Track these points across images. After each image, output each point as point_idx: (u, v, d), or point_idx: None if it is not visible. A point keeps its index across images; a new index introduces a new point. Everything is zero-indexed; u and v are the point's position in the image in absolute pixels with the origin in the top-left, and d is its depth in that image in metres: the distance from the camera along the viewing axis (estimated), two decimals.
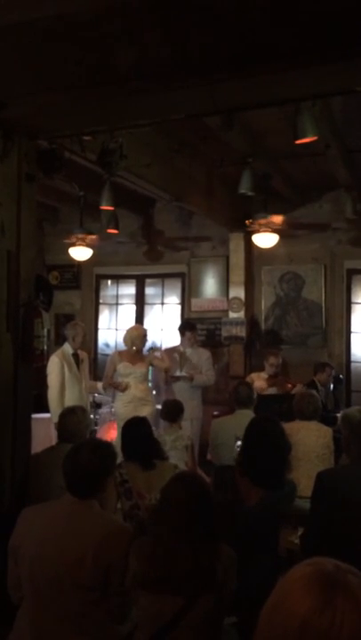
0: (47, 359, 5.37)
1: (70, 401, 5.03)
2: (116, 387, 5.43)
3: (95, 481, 2.16)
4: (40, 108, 2.91)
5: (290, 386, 5.80)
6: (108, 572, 2.02)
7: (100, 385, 5.87)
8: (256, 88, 2.82)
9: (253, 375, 5.96)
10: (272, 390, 5.70)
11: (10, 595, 2.19)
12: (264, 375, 5.90)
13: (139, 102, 2.91)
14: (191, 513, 1.95)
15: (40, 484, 3.01)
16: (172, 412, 4.39)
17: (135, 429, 3.30)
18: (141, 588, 1.98)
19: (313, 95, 2.98)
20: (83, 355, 5.59)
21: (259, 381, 5.67)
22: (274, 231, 5.79)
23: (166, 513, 2.00)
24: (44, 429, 5.11)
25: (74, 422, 3.19)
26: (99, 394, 6.11)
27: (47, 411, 5.29)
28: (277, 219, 5.68)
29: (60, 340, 6.40)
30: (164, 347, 6.73)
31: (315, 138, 3.26)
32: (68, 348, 5.40)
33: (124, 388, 5.36)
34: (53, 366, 5.22)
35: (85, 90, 2.79)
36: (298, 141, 3.32)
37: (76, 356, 5.40)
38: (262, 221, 5.67)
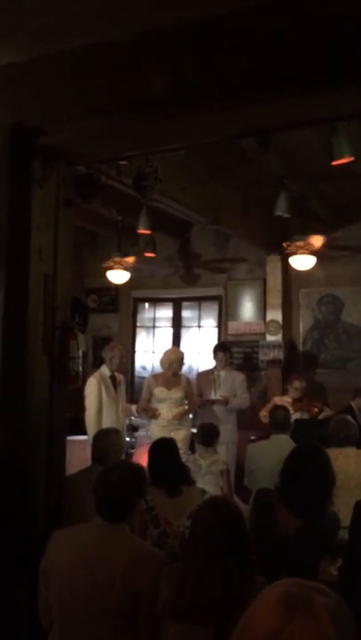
0: (83, 381, 5.41)
1: (107, 423, 5.04)
2: (149, 415, 5.46)
3: (125, 504, 2.13)
4: (78, 134, 2.99)
5: (316, 410, 5.66)
6: (137, 597, 1.98)
7: (134, 408, 5.86)
8: (290, 109, 2.82)
9: (277, 399, 5.83)
10: (298, 415, 5.56)
11: (41, 618, 2.17)
12: (288, 399, 5.77)
13: (173, 126, 2.95)
14: (222, 540, 1.90)
15: (74, 506, 3.00)
16: (208, 435, 4.33)
17: (160, 452, 3.22)
18: (171, 616, 1.93)
19: (348, 115, 2.96)
20: (120, 377, 5.62)
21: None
22: (311, 253, 5.73)
23: (196, 539, 1.95)
24: (80, 451, 5.12)
25: (107, 444, 3.18)
26: (134, 417, 6.11)
27: (84, 433, 5.31)
28: (317, 240, 5.63)
29: (97, 363, 6.45)
30: (199, 369, 6.69)
31: (352, 159, 3.22)
32: (105, 370, 5.44)
33: (155, 416, 5.38)
34: (91, 388, 5.25)
35: (121, 115, 2.85)
36: (334, 162, 3.29)
37: (113, 378, 5.43)
38: (300, 243, 5.62)
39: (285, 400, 5.69)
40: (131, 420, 6.03)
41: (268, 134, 3.17)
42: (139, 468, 2.32)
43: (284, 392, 6.57)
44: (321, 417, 5.13)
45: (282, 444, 3.97)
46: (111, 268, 6.04)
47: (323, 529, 2.66)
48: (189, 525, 2.17)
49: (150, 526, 2.85)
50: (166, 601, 1.93)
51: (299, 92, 2.60)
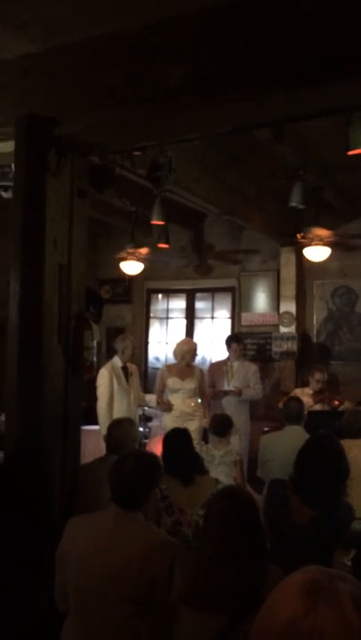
0: (97, 371, 5.44)
1: (118, 413, 5.08)
2: (163, 408, 5.49)
3: (140, 492, 2.15)
4: (92, 124, 2.99)
5: (337, 402, 5.64)
6: (152, 584, 2.00)
7: (148, 397, 5.88)
8: (305, 99, 2.80)
9: (298, 391, 5.82)
10: (318, 407, 5.55)
11: (57, 604, 2.20)
12: (309, 391, 5.75)
13: (188, 117, 2.94)
14: (235, 529, 1.91)
15: (88, 495, 3.03)
16: (221, 426, 4.34)
17: (175, 442, 3.24)
18: (185, 604, 1.95)
19: None
20: (132, 368, 5.64)
21: (304, 397, 5.54)
22: (326, 244, 5.70)
23: (210, 528, 1.97)
24: (93, 441, 5.17)
25: (121, 434, 3.20)
26: (148, 407, 6.14)
27: (97, 423, 5.35)
28: (325, 233, 5.59)
29: (111, 354, 6.49)
30: (212, 360, 6.70)
31: None
32: (117, 361, 5.47)
33: (169, 408, 5.41)
34: (102, 379, 5.29)
35: (136, 106, 2.85)
36: (350, 152, 3.26)
37: (125, 369, 5.46)
38: (315, 234, 5.59)
39: (306, 392, 5.68)
40: (144, 410, 6.06)
41: (283, 125, 3.15)
42: (153, 456, 2.34)
43: (297, 384, 6.56)
44: (342, 409, 5.12)
45: (295, 436, 3.97)
46: (125, 259, 6.05)
47: (337, 520, 2.65)
48: (203, 514, 2.18)
49: (164, 515, 2.88)
50: (180, 588, 1.95)
51: (314, 82, 2.58)
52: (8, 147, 3.22)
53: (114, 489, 2.15)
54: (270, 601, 0.91)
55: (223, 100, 2.77)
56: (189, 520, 2.89)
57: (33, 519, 2.60)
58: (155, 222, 4.88)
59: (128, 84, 2.85)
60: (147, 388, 6.79)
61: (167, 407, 5.48)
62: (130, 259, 6.00)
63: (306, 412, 4.72)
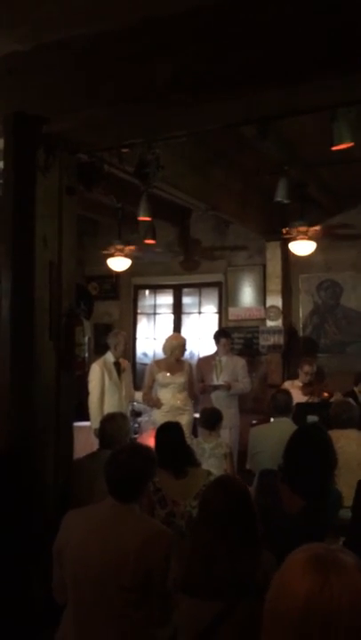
0: (88, 367, 5.47)
1: (110, 408, 5.11)
2: (150, 404, 5.53)
3: (136, 484, 2.20)
4: (80, 122, 3.01)
5: (326, 394, 5.72)
6: (149, 574, 2.05)
7: (137, 394, 5.93)
8: (291, 96, 2.85)
9: (287, 384, 5.89)
10: (307, 399, 5.62)
11: (55, 596, 2.24)
12: (298, 383, 5.83)
13: (176, 114, 2.98)
14: (230, 517, 1.96)
15: (82, 489, 3.07)
16: (211, 419, 4.40)
17: (167, 435, 3.30)
18: (182, 591, 2.00)
19: (348, 102, 2.99)
20: (125, 364, 5.68)
21: (294, 390, 5.61)
22: (310, 239, 5.77)
23: (205, 517, 2.02)
24: (84, 437, 5.19)
25: (114, 428, 3.24)
26: (137, 402, 6.18)
27: (88, 419, 5.38)
28: (316, 227, 5.66)
29: (99, 349, 6.51)
30: (200, 355, 6.75)
31: (351, 144, 3.25)
32: (109, 356, 5.50)
33: (158, 405, 5.46)
34: (94, 374, 5.33)
35: (124, 104, 2.88)
36: (334, 147, 3.32)
37: (117, 364, 5.49)
38: (300, 229, 5.65)
39: (296, 384, 5.74)
40: (134, 405, 6.10)
41: (270, 121, 3.20)
42: (148, 449, 2.38)
43: (284, 377, 6.64)
44: (332, 401, 5.19)
45: (284, 427, 4.03)
46: (112, 256, 6.07)
47: (326, 508, 2.72)
48: (198, 504, 2.23)
49: (157, 507, 2.93)
50: (177, 577, 2.00)
51: (299, 80, 2.63)
52: None
53: (110, 481, 2.19)
54: (280, 581, 0.98)
55: (210, 98, 2.81)
56: (182, 511, 2.94)
57: (27, 513, 2.63)
58: (141, 218, 4.90)
59: (115, 83, 2.88)
60: (135, 384, 6.83)
61: (155, 403, 5.52)
62: (117, 255, 6.02)
63: (294, 404, 4.79)
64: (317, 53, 2.49)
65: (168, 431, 3.34)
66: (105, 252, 6.07)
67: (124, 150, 3.36)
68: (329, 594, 0.91)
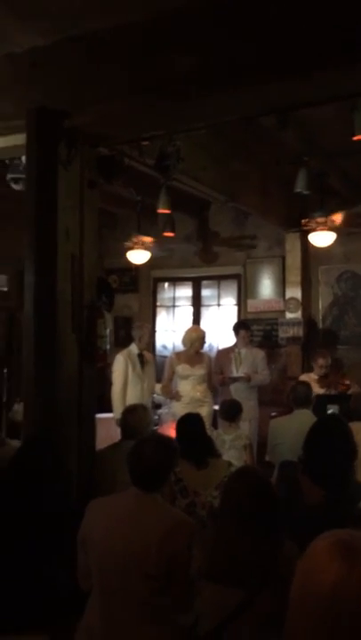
0: (111, 359, 5.52)
1: (132, 399, 5.15)
2: (170, 397, 5.56)
3: (159, 474, 2.22)
4: (102, 116, 3.03)
5: (344, 387, 5.69)
6: (171, 562, 2.08)
7: (157, 387, 5.96)
8: (311, 86, 2.83)
9: (303, 376, 5.87)
10: (324, 391, 5.59)
11: (80, 583, 2.28)
12: (314, 376, 5.80)
13: (196, 107, 2.99)
14: (253, 506, 1.98)
15: (104, 480, 3.11)
16: (231, 411, 4.42)
17: (188, 427, 3.32)
18: (205, 579, 2.03)
19: None
20: (148, 356, 5.72)
21: (310, 383, 5.60)
22: (330, 230, 5.73)
23: (228, 507, 2.04)
24: (105, 429, 5.25)
25: (135, 420, 3.28)
26: (156, 394, 6.22)
27: (109, 411, 5.43)
28: (337, 217, 5.61)
29: (119, 342, 6.55)
30: (219, 348, 6.76)
31: None
32: (134, 348, 5.55)
33: (177, 398, 5.48)
34: (118, 365, 5.38)
35: (145, 97, 2.89)
36: (356, 137, 3.29)
37: (141, 356, 5.53)
38: (320, 220, 5.61)
39: (312, 377, 5.72)
40: (153, 397, 6.14)
41: (291, 112, 3.19)
42: (170, 439, 2.41)
43: (303, 369, 6.62)
44: (349, 392, 5.17)
45: (304, 419, 4.03)
46: (131, 249, 6.09)
47: (346, 498, 2.72)
48: (219, 494, 2.25)
49: (179, 497, 2.96)
50: (200, 565, 2.03)
51: (319, 70, 2.62)
52: (18, 139, 3.27)
53: (133, 472, 2.22)
54: (305, 568, 0.98)
55: (231, 89, 2.81)
56: (204, 501, 2.97)
57: (53, 502, 2.67)
58: (161, 211, 4.91)
59: (136, 76, 2.88)
60: (156, 376, 6.88)
61: (174, 396, 5.55)
62: (136, 248, 6.04)
63: (313, 396, 4.78)
64: (337, 42, 2.47)
65: (189, 422, 3.36)
66: (125, 243, 6.08)
67: (145, 143, 3.37)
68: (357, 580, 0.91)
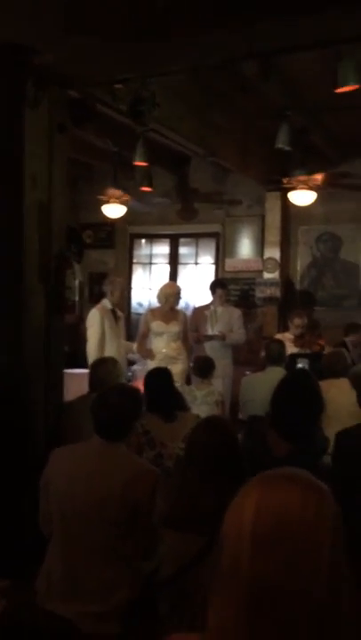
0: (79, 311, 5.40)
1: (109, 354, 5.08)
2: (145, 356, 5.52)
3: (123, 423, 2.20)
4: (72, 53, 2.88)
5: (318, 347, 5.71)
6: (135, 509, 2.08)
7: (134, 346, 5.91)
8: (295, 29, 2.71)
9: (278, 336, 5.87)
10: (299, 350, 5.61)
11: (41, 528, 2.28)
12: (289, 336, 5.81)
13: (173, 47, 2.85)
14: (217, 455, 1.97)
15: (72, 430, 3.09)
16: (204, 367, 4.41)
17: (156, 380, 3.30)
18: (168, 526, 2.03)
19: (353, 38, 2.85)
20: (120, 314, 5.65)
21: (285, 342, 5.60)
22: (311, 189, 5.64)
23: (193, 455, 2.03)
24: (77, 384, 5.20)
25: (104, 372, 3.24)
26: (133, 353, 6.18)
27: (81, 366, 5.37)
28: (318, 176, 5.52)
29: (93, 298, 6.46)
30: (196, 305, 6.73)
31: (357, 86, 3.12)
32: (107, 303, 5.45)
33: (151, 357, 5.45)
34: (94, 319, 5.26)
35: (118, 33, 2.74)
36: (338, 90, 3.19)
37: (114, 312, 5.45)
38: (301, 178, 5.52)
39: (287, 337, 5.73)
40: (129, 355, 6.10)
41: (271, 57, 3.06)
42: (135, 389, 2.39)
43: (279, 329, 6.63)
44: (324, 353, 5.19)
45: (276, 376, 4.02)
46: (107, 203, 5.95)
47: (312, 451, 2.75)
48: (186, 442, 2.24)
49: (146, 448, 2.96)
50: (163, 512, 2.03)
51: (305, 11, 2.50)
52: None
53: (97, 421, 2.20)
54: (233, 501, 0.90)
55: (210, 29, 2.68)
56: (171, 453, 2.97)
57: (18, 451, 2.66)
58: (137, 163, 4.77)
59: (110, 11, 2.72)
60: (130, 333, 6.83)
61: (148, 355, 5.51)
62: (112, 202, 5.90)
63: (287, 355, 4.80)
64: None
65: (157, 376, 3.34)
66: (100, 197, 5.93)
67: (118, 86, 3.22)
68: (283, 499, 0.83)
